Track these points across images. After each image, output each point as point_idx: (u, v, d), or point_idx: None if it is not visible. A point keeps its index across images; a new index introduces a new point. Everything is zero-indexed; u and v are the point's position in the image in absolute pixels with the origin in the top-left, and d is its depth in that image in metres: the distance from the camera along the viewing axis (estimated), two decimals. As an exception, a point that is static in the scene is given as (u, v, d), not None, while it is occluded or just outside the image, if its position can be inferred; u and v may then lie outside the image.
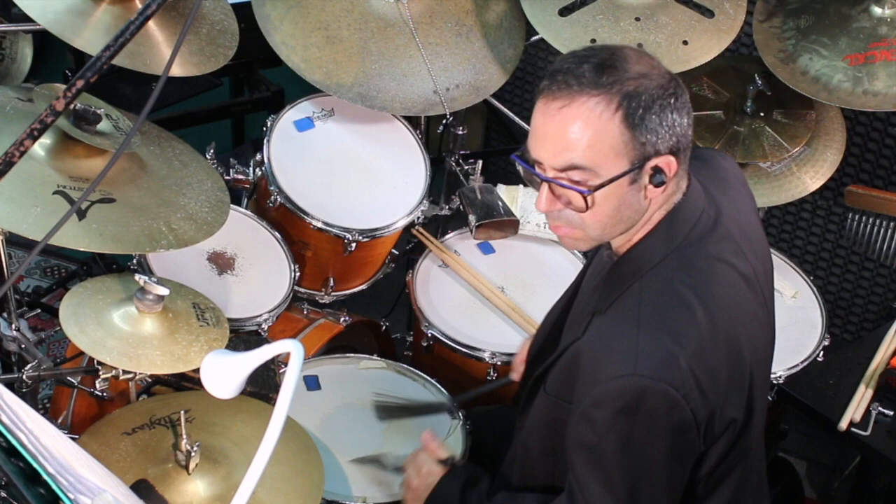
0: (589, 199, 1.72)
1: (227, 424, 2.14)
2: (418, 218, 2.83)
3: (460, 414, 2.47)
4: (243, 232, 2.75)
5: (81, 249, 2.08)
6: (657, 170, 1.73)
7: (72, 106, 2.11)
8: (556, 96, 1.71)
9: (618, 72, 1.70)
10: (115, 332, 2.11)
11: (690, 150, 1.79)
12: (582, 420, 1.77)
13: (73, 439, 2.04)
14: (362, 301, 3.02)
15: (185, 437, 1.97)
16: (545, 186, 1.76)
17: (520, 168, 1.81)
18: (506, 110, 3.34)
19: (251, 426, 2.15)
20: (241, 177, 2.81)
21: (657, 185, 1.74)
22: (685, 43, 2.76)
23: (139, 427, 2.12)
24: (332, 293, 2.88)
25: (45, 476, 1.29)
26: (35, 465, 1.29)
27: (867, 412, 2.58)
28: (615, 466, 1.76)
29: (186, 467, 1.99)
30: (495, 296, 2.77)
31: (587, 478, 1.79)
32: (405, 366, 2.62)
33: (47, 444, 1.36)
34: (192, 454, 1.97)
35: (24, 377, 2.30)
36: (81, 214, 2.10)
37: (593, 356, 1.78)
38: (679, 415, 1.72)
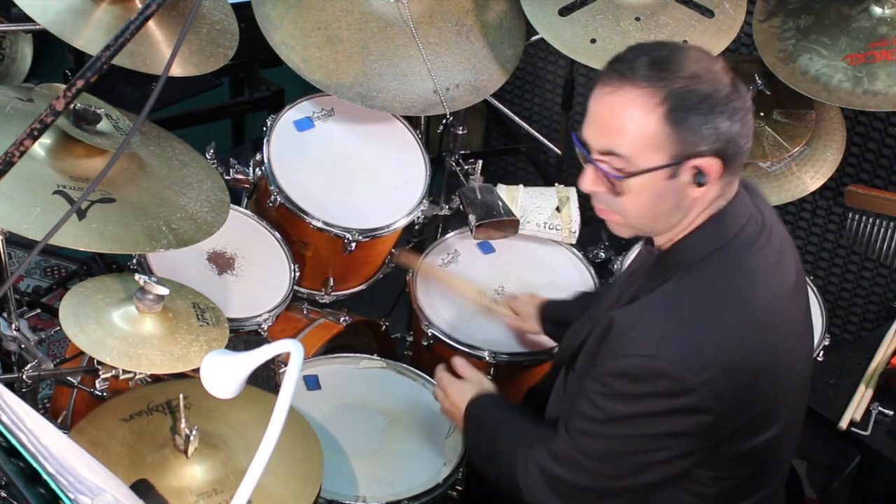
0: (622, 185, 1.77)
1: (226, 410, 2.14)
2: (418, 218, 2.83)
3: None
4: (243, 232, 2.75)
5: (81, 249, 2.08)
6: (699, 170, 1.76)
7: (72, 106, 2.11)
8: (608, 82, 1.77)
9: (671, 69, 1.74)
10: (115, 332, 2.11)
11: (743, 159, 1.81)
12: (596, 380, 1.85)
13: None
14: (362, 301, 3.02)
15: (183, 420, 1.97)
16: (589, 167, 1.82)
17: (577, 147, 1.88)
18: (506, 110, 3.35)
19: (249, 412, 2.15)
20: (241, 177, 2.81)
21: (699, 185, 1.77)
22: (685, 43, 2.76)
23: (137, 413, 2.12)
24: (332, 293, 2.88)
25: (45, 476, 1.29)
26: (35, 465, 1.29)
27: (867, 412, 2.58)
28: (618, 426, 1.83)
29: (185, 451, 1.99)
30: (491, 304, 2.76)
31: (584, 427, 1.88)
32: (405, 365, 2.62)
33: (47, 444, 1.36)
34: (191, 438, 1.98)
35: (24, 377, 2.29)
36: (81, 214, 2.10)
37: (622, 329, 1.83)
38: (693, 397, 1.75)
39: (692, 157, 1.75)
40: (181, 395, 2.00)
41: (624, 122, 1.75)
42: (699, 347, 1.76)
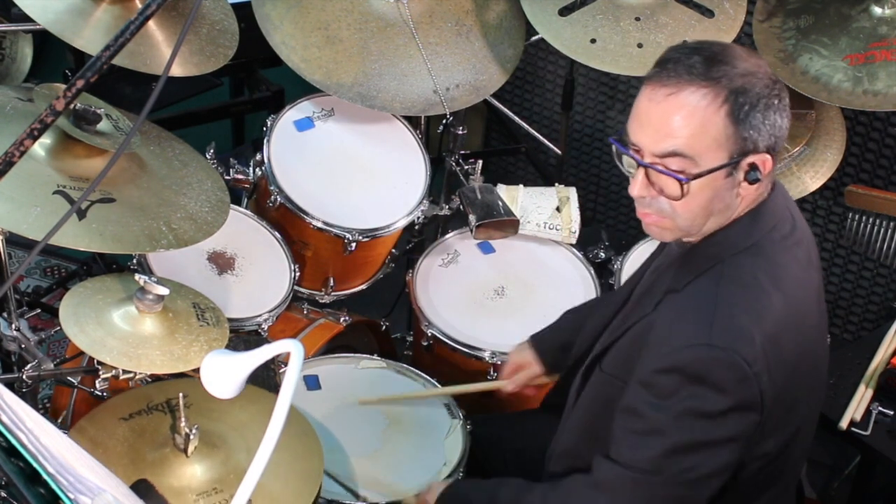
0: (685, 186, 1.74)
1: (225, 409, 2.14)
2: (418, 218, 2.83)
3: (460, 414, 2.47)
4: (243, 232, 2.76)
5: (81, 249, 2.08)
6: (753, 167, 1.76)
7: (72, 106, 2.11)
8: (665, 83, 1.74)
9: (727, 67, 1.73)
10: (115, 332, 2.11)
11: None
12: (641, 386, 1.78)
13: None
14: (362, 301, 3.02)
15: (183, 419, 1.97)
16: (640, 171, 1.78)
17: (616, 151, 1.83)
18: (506, 110, 3.34)
19: (249, 411, 2.15)
20: (241, 177, 2.81)
21: (751, 182, 1.77)
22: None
23: (136, 412, 2.12)
24: (332, 293, 2.88)
25: (45, 476, 1.29)
26: (35, 465, 1.29)
27: (867, 412, 2.58)
28: (669, 434, 1.75)
29: (185, 450, 1.99)
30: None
31: (630, 444, 1.79)
32: (405, 365, 2.62)
33: (47, 444, 1.36)
34: (191, 437, 1.97)
35: (24, 377, 2.29)
36: (81, 214, 2.10)
37: (665, 328, 1.80)
38: (746, 391, 1.72)
39: (749, 153, 1.75)
40: (181, 395, 2.00)
41: (690, 122, 1.72)
42: (751, 336, 1.72)
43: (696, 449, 1.76)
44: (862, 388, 2.63)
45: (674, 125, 1.73)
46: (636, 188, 1.79)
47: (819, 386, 1.99)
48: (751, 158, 1.75)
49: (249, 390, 2.19)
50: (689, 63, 1.73)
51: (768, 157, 1.77)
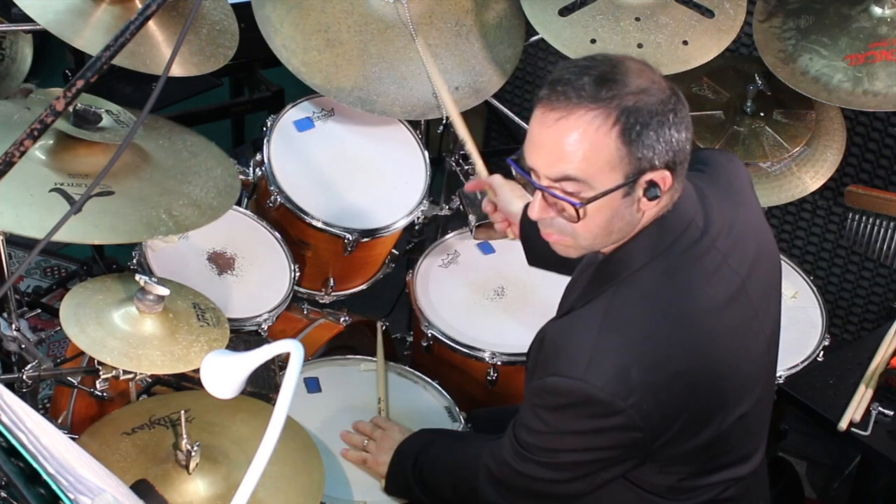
0: (581, 210, 1.73)
1: (227, 424, 2.14)
2: (418, 218, 2.83)
3: (461, 416, 2.47)
4: (243, 232, 2.76)
5: (76, 241, 2.07)
6: (652, 184, 1.73)
7: (72, 106, 2.11)
8: (555, 107, 1.71)
9: (617, 86, 1.70)
10: (116, 332, 2.11)
11: (689, 160, 1.79)
12: (532, 392, 1.87)
13: (73, 439, 2.04)
14: (362, 301, 3.02)
15: (185, 436, 1.97)
16: (538, 194, 1.78)
17: (515, 173, 1.83)
18: (506, 110, 3.34)
19: (251, 426, 2.15)
20: (241, 177, 2.81)
21: (651, 199, 1.75)
22: (685, 43, 2.76)
23: (139, 427, 2.12)
24: (332, 293, 2.88)
25: (45, 476, 1.29)
26: (35, 465, 1.30)
27: (867, 412, 2.58)
28: (549, 437, 1.86)
29: (187, 467, 1.99)
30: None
31: (521, 433, 1.90)
32: (406, 367, 2.61)
33: (47, 444, 1.36)
34: (193, 454, 1.97)
35: (24, 377, 2.30)
36: (78, 208, 2.09)
37: (554, 345, 1.84)
38: (620, 419, 1.76)
39: (646, 171, 1.72)
40: (182, 411, 2.00)
41: (580, 146, 1.69)
42: (627, 373, 1.74)
43: (574, 453, 1.85)
44: (862, 388, 2.63)
45: (565, 149, 1.70)
46: (535, 211, 1.79)
47: (750, 377, 1.93)
48: (648, 176, 1.72)
49: (251, 404, 2.21)
50: (579, 85, 1.70)
51: (667, 173, 1.73)
